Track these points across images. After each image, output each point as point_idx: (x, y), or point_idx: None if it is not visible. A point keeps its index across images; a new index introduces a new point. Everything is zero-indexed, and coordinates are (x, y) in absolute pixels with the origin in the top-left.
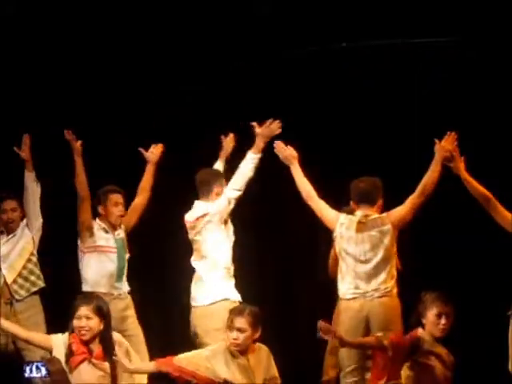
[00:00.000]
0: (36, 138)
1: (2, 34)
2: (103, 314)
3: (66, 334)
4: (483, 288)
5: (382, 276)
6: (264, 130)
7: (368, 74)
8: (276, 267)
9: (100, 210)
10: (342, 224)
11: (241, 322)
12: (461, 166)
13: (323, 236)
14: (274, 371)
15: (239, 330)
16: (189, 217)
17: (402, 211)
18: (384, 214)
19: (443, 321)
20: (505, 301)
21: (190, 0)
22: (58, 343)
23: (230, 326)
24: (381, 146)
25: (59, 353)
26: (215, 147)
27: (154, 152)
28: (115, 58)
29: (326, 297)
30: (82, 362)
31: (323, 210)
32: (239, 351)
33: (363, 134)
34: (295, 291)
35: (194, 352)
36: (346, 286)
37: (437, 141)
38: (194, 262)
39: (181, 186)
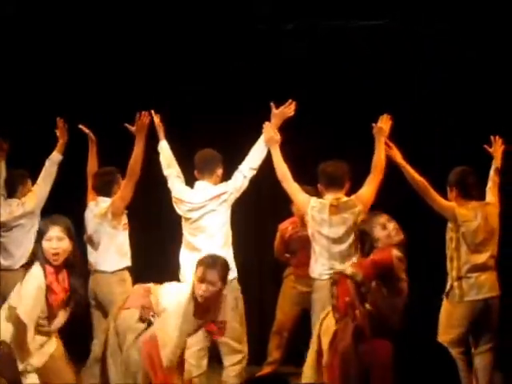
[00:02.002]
0: (34, 133)
1: (2, 34)
2: (72, 234)
3: (38, 268)
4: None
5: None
6: (279, 111)
7: (368, 74)
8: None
9: (117, 190)
10: (313, 207)
11: (213, 274)
12: (397, 153)
13: (270, 219)
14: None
15: (210, 282)
16: (195, 197)
17: (368, 191)
18: (353, 197)
19: (391, 226)
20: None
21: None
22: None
23: (201, 278)
24: None
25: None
26: (215, 146)
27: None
28: (116, 58)
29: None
30: (62, 300)
31: (296, 192)
32: (204, 305)
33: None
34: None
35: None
36: (320, 268)
37: (374, 124)
38: (199, 241)
39: None
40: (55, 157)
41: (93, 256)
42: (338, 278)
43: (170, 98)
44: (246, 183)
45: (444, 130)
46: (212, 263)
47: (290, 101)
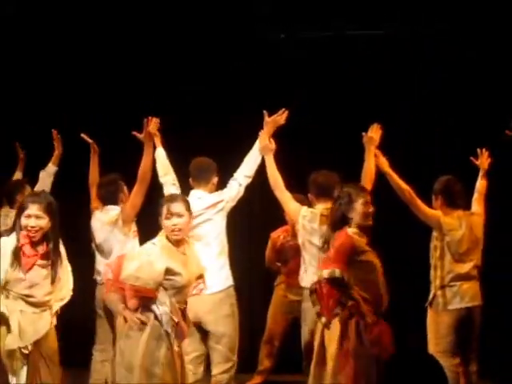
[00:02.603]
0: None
1: (2, 33)
2: (53, 212)
3: (13, 234)
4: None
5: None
6: (272, 119)
7: (368, 74)
8: None
9: (123, 197)
10: (304, 216)
11: (177, 206)
12: (383, 162)
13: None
14: (203, 268)
15: (178, 215)
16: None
17: None
18: None
19: (369, 209)
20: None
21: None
22: (5, 246)
23: (168, 214)
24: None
25: (5, 254)
26: (215, 146)
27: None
28: (115, 58)
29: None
30: (34, 264)
31: (287, 201)
32: (179, 240)
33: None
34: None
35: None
36: (310, 277)
37: (364, 133)
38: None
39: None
40: (50, 168)
41: (102, 265)
42: (315, 287)
43: (167, 101)
44: (241, 191)
45: (444, 130)
46: (172, 198)
47: (282, 109)
